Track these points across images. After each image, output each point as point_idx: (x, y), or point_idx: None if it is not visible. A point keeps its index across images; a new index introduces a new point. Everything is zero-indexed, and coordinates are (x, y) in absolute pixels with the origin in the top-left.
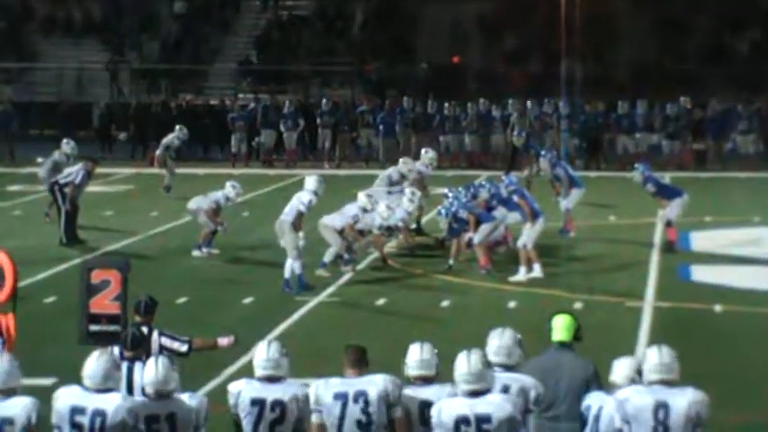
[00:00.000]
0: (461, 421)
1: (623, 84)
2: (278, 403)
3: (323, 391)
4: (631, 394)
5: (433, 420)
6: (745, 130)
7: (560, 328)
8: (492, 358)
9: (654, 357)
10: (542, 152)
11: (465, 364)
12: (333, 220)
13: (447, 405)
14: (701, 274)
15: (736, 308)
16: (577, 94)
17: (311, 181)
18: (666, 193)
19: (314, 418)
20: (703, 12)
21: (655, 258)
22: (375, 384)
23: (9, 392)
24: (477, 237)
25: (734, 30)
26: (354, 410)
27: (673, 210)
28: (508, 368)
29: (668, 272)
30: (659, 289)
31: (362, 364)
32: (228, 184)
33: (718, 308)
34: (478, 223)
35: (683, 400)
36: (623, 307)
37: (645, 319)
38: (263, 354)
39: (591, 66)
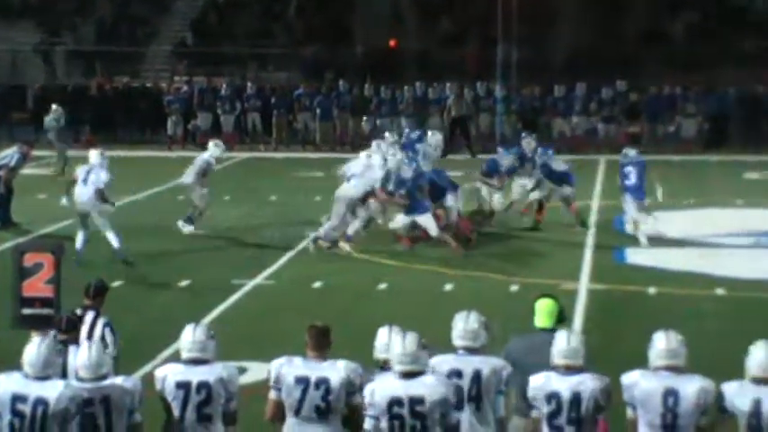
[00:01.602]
0: (394, 402)
1: (559, 67)
2: (204, 385)
3: (286, 370)
4: (639, 379)
5: (366, 401)
6: (692, 114)
7: (543, 313)
8: (458, 342)
9: (661, 343)
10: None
11: (400, 345)
12: (348, 191)
13: (380, 386)
14: (636, 256)
15: (669, 290)
16: (513, 77)
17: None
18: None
19: (272, 395)
20: None
21: (590, 241)
22: (337, 372)
23: None
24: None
25: (670, 12)
26: (315, 396)
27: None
28: (474, 351)
29: (603, 254)
30: (594, 271)
31: (325, 345)
32: (211, 143)
33: (652, 290)
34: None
35: (693, 388)
36: (559, 289)
37: (580, 301)
38: (188, 336)
39: (527, 49)
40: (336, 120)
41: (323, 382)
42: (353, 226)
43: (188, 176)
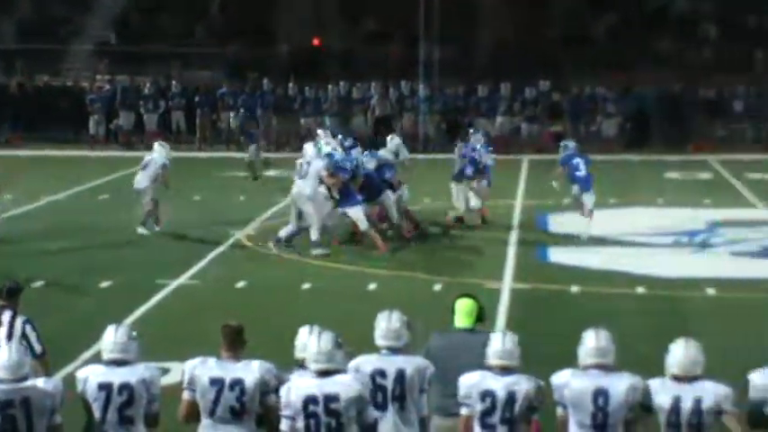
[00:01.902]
0: (310, 401)
1: (483, 67)
2: (126, 387)
3: (200, 371)
4: (570, 378)
5: (282, 400)
6: (612, 114)
7: (462, 313)
8: (380, 342)
9: (591, 341)
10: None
11: (315, 344)
12: (304, 190)
13: (296, 385)
14: (559, 255)
15: (591, 288)
16: (436, 76)
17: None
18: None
19: (185, 396)
20: None
21: (513, 240)
22: (252, 372)
23: None
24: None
25: (591, 13)
26: (229, 397)
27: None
28: (397, 351)
29: (526, 253)
30: (517, 270)
31: (239, 344)
32: (157, 145)
33: (574, 289)
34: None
35: (622, 386)
36: (482, 288)
37: (503, 300)
38: (110, 337)
39: (450, 49)
40: (260, 119)
41: (237, 383)
42: (287, 229)
43: (142, 182)
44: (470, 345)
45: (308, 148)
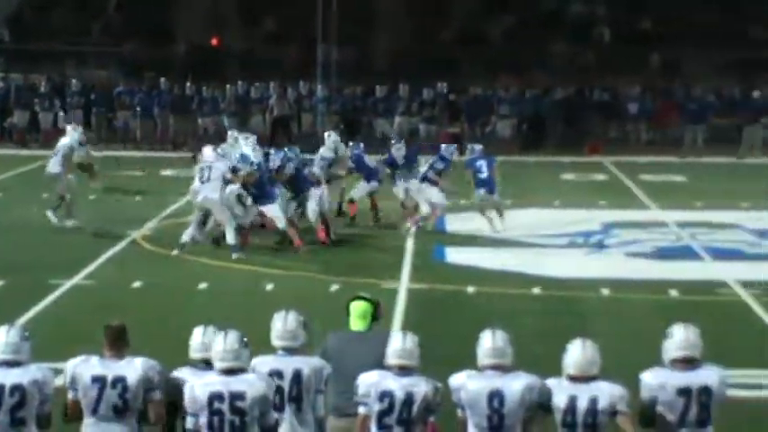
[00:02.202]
0: (215, 397)
1: (381, 68)
2: (17, 388)
3: (81, 370)
4: (466, 380)
5: (186, 397)
6: (506, 115)
7: (356, 316)
8: (277, 342)
9: (488, 342)
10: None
11: (221, 342)
12: (212, 194)
13: (201, 382)
14: (455, 255)
15: (488, 289)
16: (334, 77)
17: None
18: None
19: (69, 395)
20: None
21: (410, 240)
22: (134, 369)
23: None
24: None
25: (488, 15)
26: (111, 395)
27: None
28: (294, 351)
29: (423, 253)
30: (414, 270)
31: (122, 343)
32: (69, 128)
33: (471, 289)
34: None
35: (518, 386)
36: (379, 288)
37: (400, 300)
38: (2, 338)
39: (349, 50)
40: (157, 118)
41: (120, 381)
42: (189, 232)
43: (54, 166)
44: (366, 345)
45: (207, 151)
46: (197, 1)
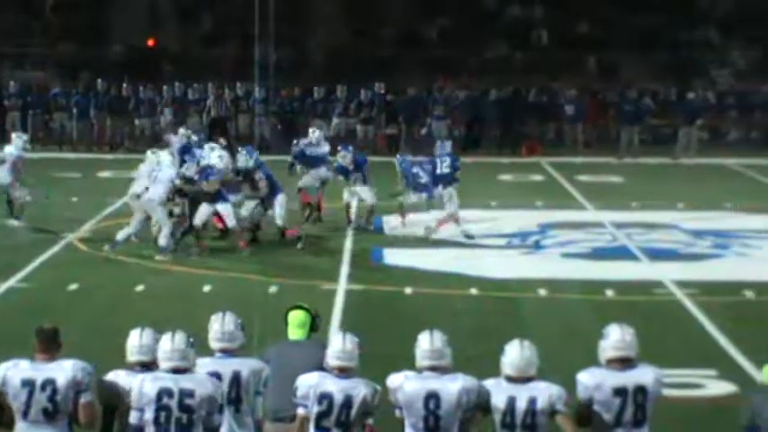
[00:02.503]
0: (165, 393)
1: (319, 69)
2: None
3: (11, 373)
4: (403, 382)
5: (133, 393)
6: (441, 116)
7: (294, 325)
8: (215, 344)
9: (426, 343)
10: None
11: (169, 342)
12: (153, 195)
13: (150, 377)
14: (393, 257)
15: (426, 290)
16: (272, 78)
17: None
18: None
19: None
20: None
21: (349, 241)
22: (64, 371)
23: None
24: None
25: (425, 16)
26: (41, 398)
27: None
28: (232, 353)
29: (362, 255)
30: (352, 272)
31: (53, 346)
32: (14, 135)
33: (408, 290)
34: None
35: (455, 388)
36: (318, 290)
37: (338, 302)
38: None
39: (286, 51)
40: (94, 120)
41: (49, 384)
42: (124, 232)
43: (4, 178)
44: (305, 350)
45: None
46: (133, 1)
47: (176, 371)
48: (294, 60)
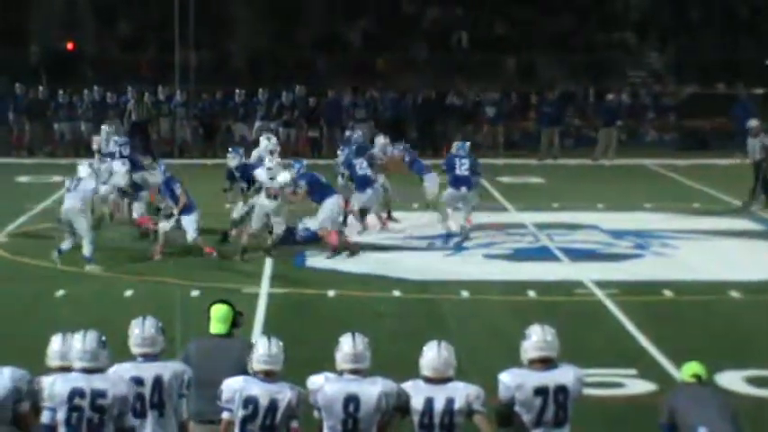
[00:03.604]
0: (76, 393)
1: (240, 72)
2: None
3: None
4: (323, 384)
5: (45, 392)
6: (363, 119)
7: (216, 319)
8: (135, 350)
9: (346, 346)
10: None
11: (80, 342)
12: (75, 202)
13: (62, 378)
14: (315, 260)
15: (348, 292)
16: (193, 81)
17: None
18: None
19: None
20: (314, 1)
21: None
22: (3, 381)
23: None
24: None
25: (346, 19)
26: None
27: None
28: (153, 357)
29: (283, 259)
30: (275, 275)
31: None
32: None
33: (331, 293)
34: None
35: (374, 392)
36: (240, 293)
37: (261, 305)
38: None
39: (206, 53)
40: (13, 124)
41: None
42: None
43: None
44: (227, 350)
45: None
46: (51, 4)
47: (88, 371)
48: (215, 63)
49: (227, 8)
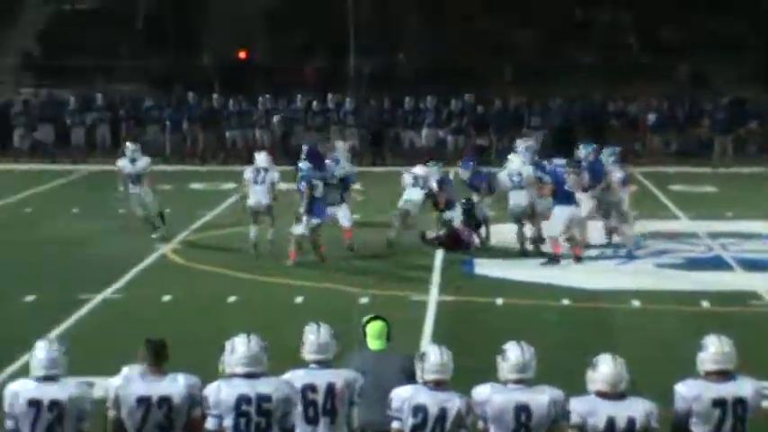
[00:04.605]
0: (243, 400)
1: (409, 79)
2: (56, 404)
3: (125, 392)
4: (491, 394)
5: (210, 399)
6: (537, 126)
7: (374, 335)
8: (309, 356)
9: (513, 356)
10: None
11: (244, 347)
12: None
13: (226, 384)
14: (484, 267)
15: (516, 300)
16: (363, 89)
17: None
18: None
19: (110, 415)
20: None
21: (440, 252)
22: (178, 388)
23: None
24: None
25: (518, 26)
26: (157, 415)
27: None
28: (326, 364)
29: (452, 266)
30: (443, 283)
31: (162, 359)
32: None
33: (499, 301)
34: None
35: (544, 401)
36: (408, 301)
37: (429, 313)
38: (40, 353)
39: (376, 61)
40: (186, 132)
41: (165, 401)
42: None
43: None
44: (389, 361)
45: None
46: (224, 14)
47: (251, 375)
48: (383, 70)
49: (399, 16)
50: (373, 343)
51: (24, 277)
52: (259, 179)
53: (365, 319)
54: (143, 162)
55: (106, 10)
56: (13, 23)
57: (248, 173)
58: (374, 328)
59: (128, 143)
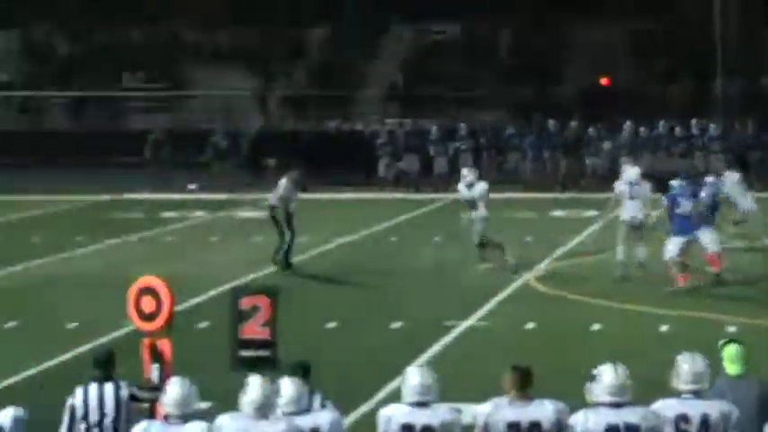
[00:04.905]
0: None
1: None
2: (428, 428)
3: (494, 419)
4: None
5: (578, 428)
6: None
7: (733, 359)
8: (683, 386)
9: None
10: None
11: (612, 376)
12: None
13: (595, 412)
14: None
15: None
16: (732, 113)
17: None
18: None
19: None
20: None
21: None
22: (546, 413)
23: (187, 417)
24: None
25: None
26: None
27: None
28: (699, 394)
29: None
30: None
31: (527, 385)
32: (464, 170)
33: None
34: None
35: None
36: None
37: None
38: (414, 379)
39: (745, 83)
40: (547, 160)
41: (535, 426)
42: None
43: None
44: (745, 392)
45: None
46: (586, 41)
47: (617, 405)
48: (747, 93)
49: (762, 37)
50: (730, 367)
51: (390, 305)
52: (633, 192)
53: (721, 342)
54: (479, 187)
55: (466, 40)
56: (378, 54)
57: (621, 185)
58: (730, 352)
59: (463, 169)
